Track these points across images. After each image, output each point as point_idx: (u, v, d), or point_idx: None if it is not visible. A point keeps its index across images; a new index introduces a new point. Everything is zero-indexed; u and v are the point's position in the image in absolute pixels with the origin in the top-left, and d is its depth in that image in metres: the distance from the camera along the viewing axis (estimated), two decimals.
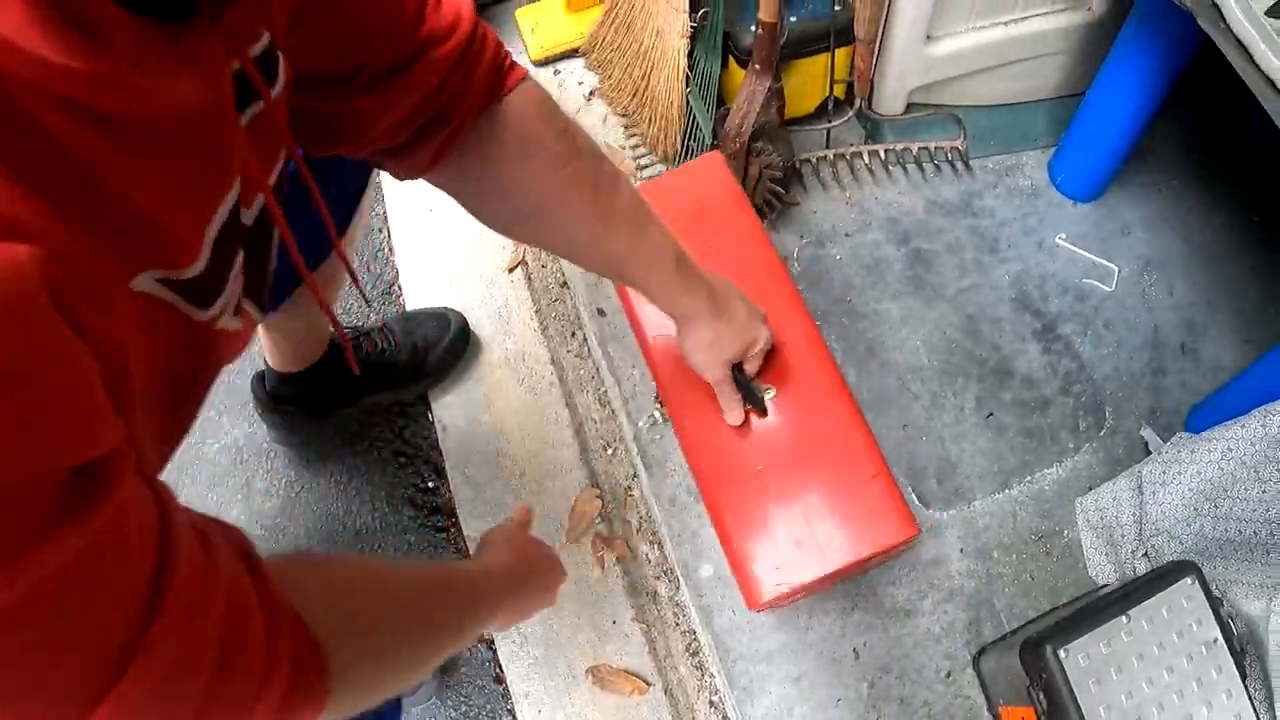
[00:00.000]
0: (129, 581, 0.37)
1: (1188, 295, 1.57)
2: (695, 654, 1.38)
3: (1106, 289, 1.58)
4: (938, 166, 1.67)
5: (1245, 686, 1.14)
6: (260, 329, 1.30)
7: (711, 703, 1.36)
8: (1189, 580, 1.17)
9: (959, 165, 1.67)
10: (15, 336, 0.30)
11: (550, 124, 0.79)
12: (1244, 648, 1.18)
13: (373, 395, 1.54)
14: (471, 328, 1.59)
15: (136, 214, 0.40)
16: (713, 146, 1.56)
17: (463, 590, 0.77)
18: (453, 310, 1.57)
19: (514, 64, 0.76)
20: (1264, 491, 1.19)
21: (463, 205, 0.84)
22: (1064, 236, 1.61)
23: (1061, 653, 1.10)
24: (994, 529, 1.41)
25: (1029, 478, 1.44)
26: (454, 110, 0.72)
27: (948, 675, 1.34)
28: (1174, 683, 1.12)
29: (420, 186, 0.81)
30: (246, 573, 0.46)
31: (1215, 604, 1.17)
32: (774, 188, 1.54)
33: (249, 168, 0.52)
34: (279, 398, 1.47)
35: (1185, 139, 1.73)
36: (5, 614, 0.32)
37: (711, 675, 1.36)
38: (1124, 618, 1.13)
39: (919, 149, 1.64)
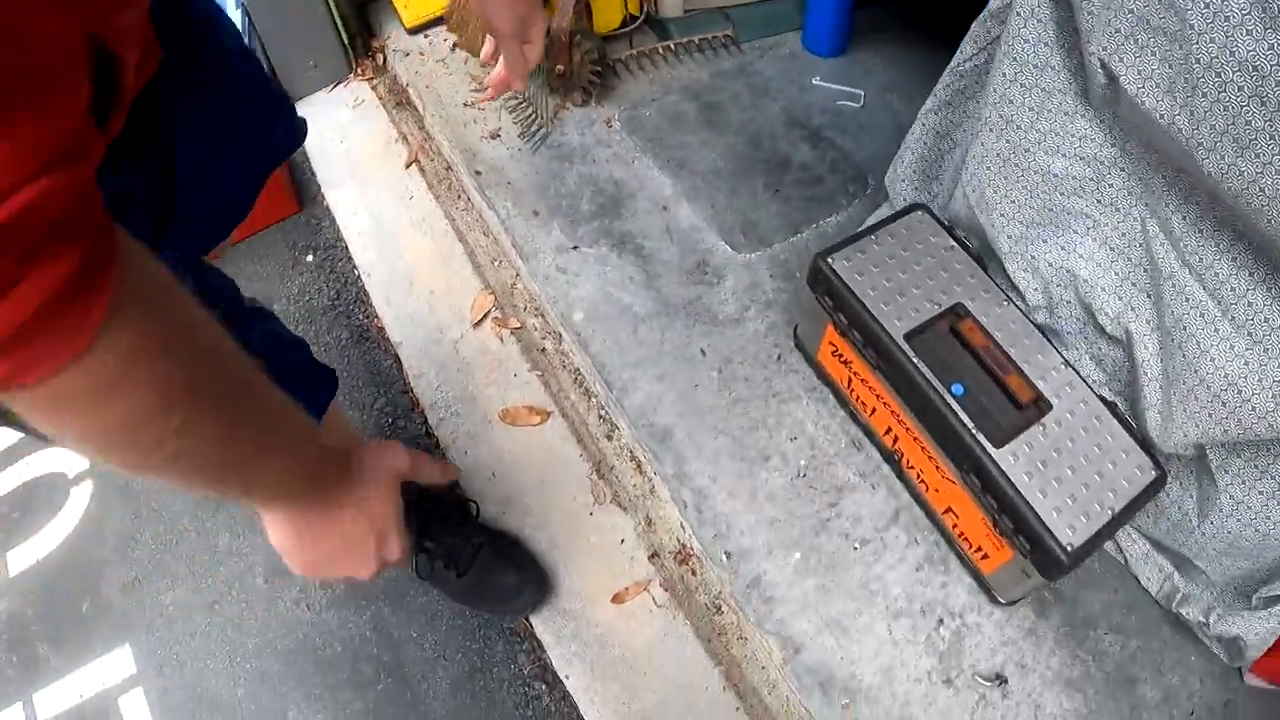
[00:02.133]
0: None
1: (922, 99, 1.94)
2: (579, 381, 1.62)
3: (857, 105, 1.95)
4: (715, 50, 2.06)
5: (986, 273, 1.43)
6: None
7: (600, 415, 1.60)
8: (919, 213, 1.48)
9: (732, 48, 2.06)
10: None
11: None
12: (979, 256, 1.48)
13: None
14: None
15: None
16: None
17: (301, 420, 0.62)
18: (540, 571, 1.43)
19: None
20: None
21: None
22: (819, 78, 2.00)
23: (830, 259, 1.40)
24: (792, 259, 1.71)
25: (814, 225, 1.76)
26: None
27: (778, 358, 1.61)
28: (924, 272, 1.41)
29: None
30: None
31: (947, 228, 1.48)
32: (593, 70, 1.89)
33: None
34: None
35: None
36: None
37: (595, 393, 1.60)
38: (873, 236, 1.44)
39: (700, 40, 2.04)
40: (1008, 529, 1.26)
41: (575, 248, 1.70)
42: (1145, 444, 1.32)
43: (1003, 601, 1.41)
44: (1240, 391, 1.15)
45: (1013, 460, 1.26)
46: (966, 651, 1.39)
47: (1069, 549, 1.20)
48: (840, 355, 1.47)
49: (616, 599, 1.42)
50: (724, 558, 1.41)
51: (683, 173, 1.81)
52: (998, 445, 1.27)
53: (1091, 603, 1.46)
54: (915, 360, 1.32)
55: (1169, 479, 1.34)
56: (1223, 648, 1.43)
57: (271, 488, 0.62)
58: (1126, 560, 1.49)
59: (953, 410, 1.29)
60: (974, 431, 1.27)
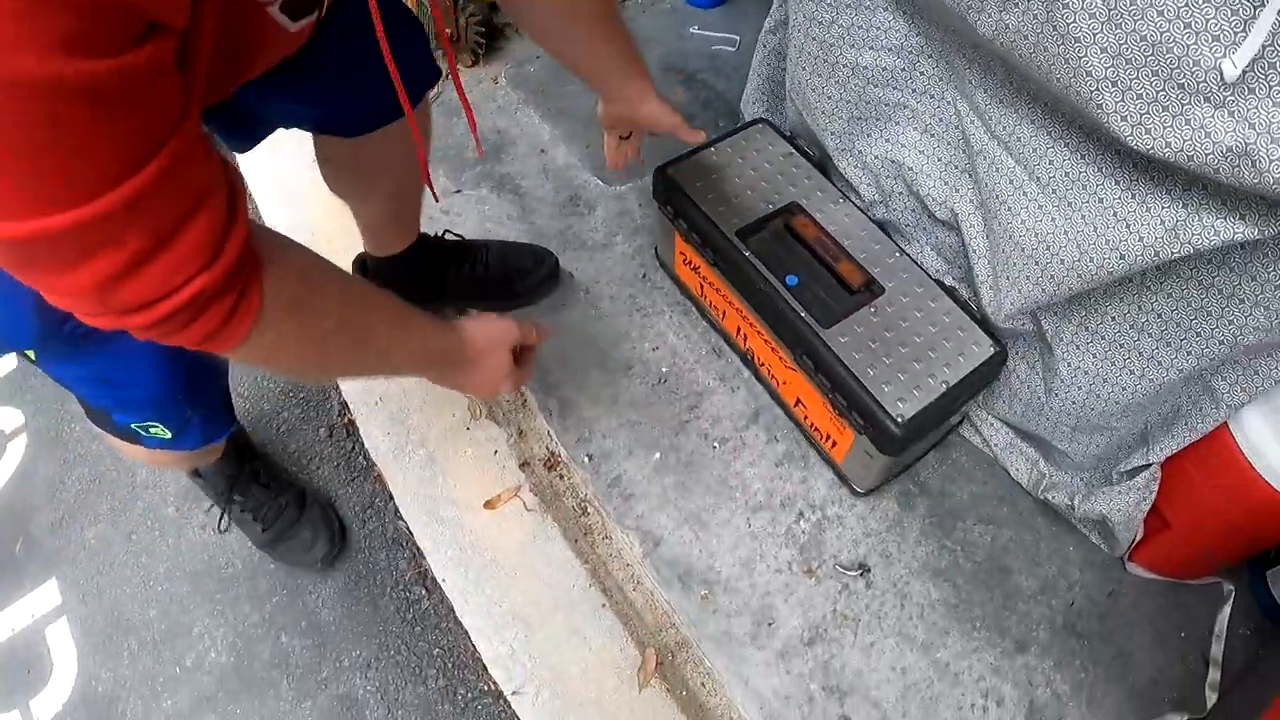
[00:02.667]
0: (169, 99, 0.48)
1: None
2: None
3: (733, 50, 1.98)
4: None
5: (828, 178, 1.44)
6: (355, 215, 1.37)
7: None
8: (761, 126, 1.50)
9: (617, 5, 2.09)
10: None
11: None
12: (820, 162, 1.49)
13: (464, 300, 1.57)
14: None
15: None
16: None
17: (415, 334, 0.83)
18: (547, 250, 1.58)
19: None
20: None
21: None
22: (697, 27, 2.02)
23: (670, 170, 1.42)
24: None
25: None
26: None
27: (643, 277, 1.62)
28: (761, 177, 1.43)
29: None
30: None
31: (788, 138, 1.49)
32: (479, 32, 1.93)
33: None
34: (380, 278, 1.43)
35: None
36: (95, 84, 0.40)
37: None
38: (713, 148, 1.45)
39: None
40: (842, 407, 1.27)
41: (458, 191, 1.73)
42: (984, 323, 1.31)
43: (860, 491, 1.40)
44: (1050, 247, 1.15)
45: (841, 340, 1.26)
46: (828, 543, 1.38)
47: (899, 420, 1.20)
48: (690, 263, 1.48)
49: (489, 505, 1.43)
50: (586, 459, 1.42)
51: (562, 119, 1.84)
52: (826, 326, 1.27)
53: (959, 495, 1.46)
54: (748, 255, 1.33)
55: (1014, 358, 1.34)
56: (1097, 532, 1.41)
57: (409, 367, 0.86)
58: (994, 453, 1.48)
59: (784, 298, 1.30)
60: (804, 315, 1.28)
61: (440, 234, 1.51)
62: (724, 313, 1.47)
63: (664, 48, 1.98)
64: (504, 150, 1.80)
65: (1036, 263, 1.17)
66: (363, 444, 1.54)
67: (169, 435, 1.06)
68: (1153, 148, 0.90)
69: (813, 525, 1.39)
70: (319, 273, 0.70)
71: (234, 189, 0.55)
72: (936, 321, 1.30)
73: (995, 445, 1.47)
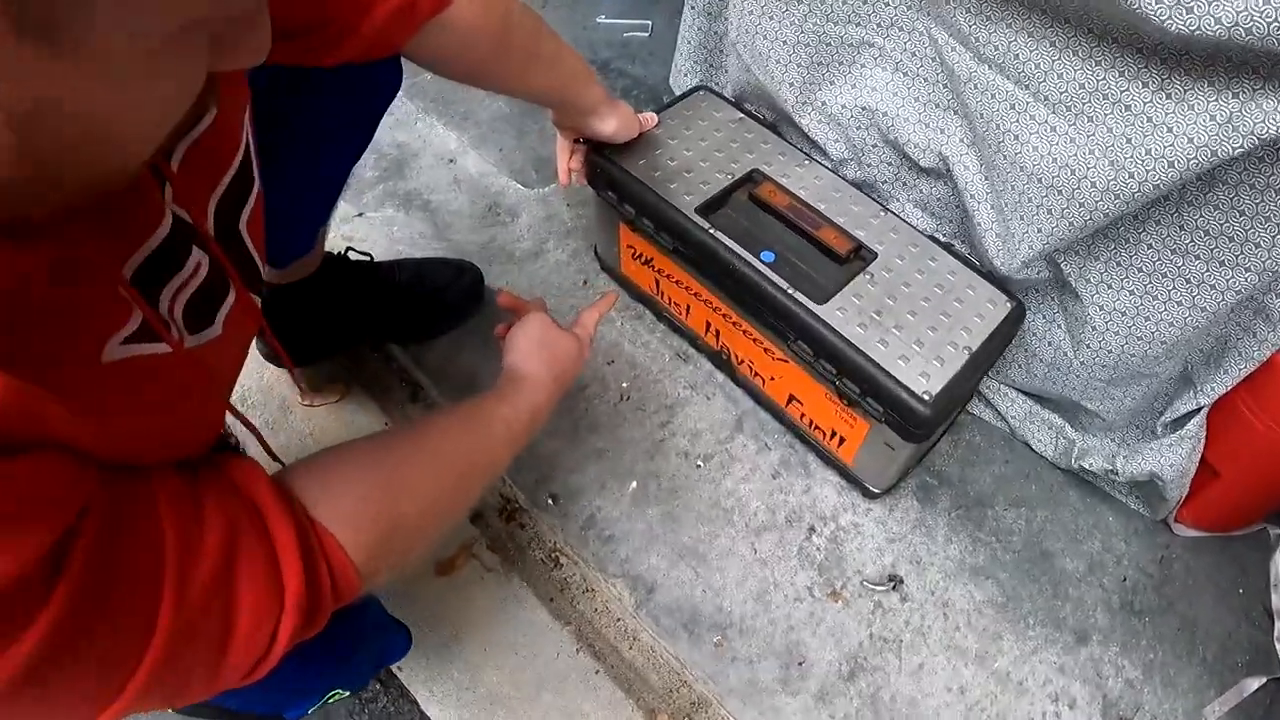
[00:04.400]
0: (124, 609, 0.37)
1: None
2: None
3: (645, 35, 1.72)
4: None
5: (782, 138, 1.18)
6: None
7: (401, 380, 1.30)
8: (702, 93, 1.24)
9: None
10: None
11: (488, 17, 0.79)
12: (774, 124, 1.23)
13: (382, 329, 1.27)
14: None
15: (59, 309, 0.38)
16: None
17: (499, 425, 0.70)
18: (467, 261, 1.30)
19: None
20: None
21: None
22: (604, 16, 1.76)
23: (608, 150, 1.14)
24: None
25: None
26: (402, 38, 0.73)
27: (584, 283, 1.35)
28: (712, 146, 1.18)
29: None
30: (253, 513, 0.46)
31: (734, 102, 1.23)
32: None
33: (183, 194, 0.49)
34: (282, 309, 1.11)
35: None
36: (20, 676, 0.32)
37: (394, 355, 1.30)
38: (656, 118, 1.17)
39: None
40: (853, 394, 1.00)
41: (360, 214, 1.42)
42: (992, 277, 1.06)
43: (877, 491, 1.13)
44: (1074, 171, 0.92)
45: (841, 315, 1.00)
46: (849, 557, 1.11)
47: (927, 397, 0.94)
48: (641, 256, 1.20)
49: (442, 570, 1.11)
50: (549, 502, 1.12)
51: (468, 124, 1.56)
52: (820, 302, 1.00)
53: (982, 480, 1.20)
54: (713, 233, 1.06)
55: (1028, 312, 1.09)
56: (1140, 497, 1.19)
57: (522, 441, 0.72)
58: (1010, 427, 1.23)
59: (764, 276, 1.03)
60: (791, 293, 1.01)
61: (343, 251, 1.20)
62: (688, 308, 1.19)
63: (569, 39, 1.70)
64: (406, 165, 1.50)
65: (1059, 191, 0.93)
66: None
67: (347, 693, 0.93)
68: (1197, 27, 0.71)
69: (828, 540, 1.12)
70: (378, 492, 0.56)
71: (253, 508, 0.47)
72: (942, 282, 1.05)
73: (1012, 418, 1.23)
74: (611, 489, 1.13)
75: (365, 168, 1.50)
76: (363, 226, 1.41)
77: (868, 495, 1.16)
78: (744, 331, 1.11)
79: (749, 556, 1.10)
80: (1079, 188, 0.92)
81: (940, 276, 1.06)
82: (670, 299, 1.22)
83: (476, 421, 0.70)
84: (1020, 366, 1.18)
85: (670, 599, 1.06)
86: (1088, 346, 1.06)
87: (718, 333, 1.17)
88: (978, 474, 1.22)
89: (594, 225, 1.31)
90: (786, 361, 1.08)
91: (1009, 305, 1.05)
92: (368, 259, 1.21)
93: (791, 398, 1.13)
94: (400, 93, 0.97)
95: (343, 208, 1.43)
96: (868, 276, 1.05)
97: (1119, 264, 0.99)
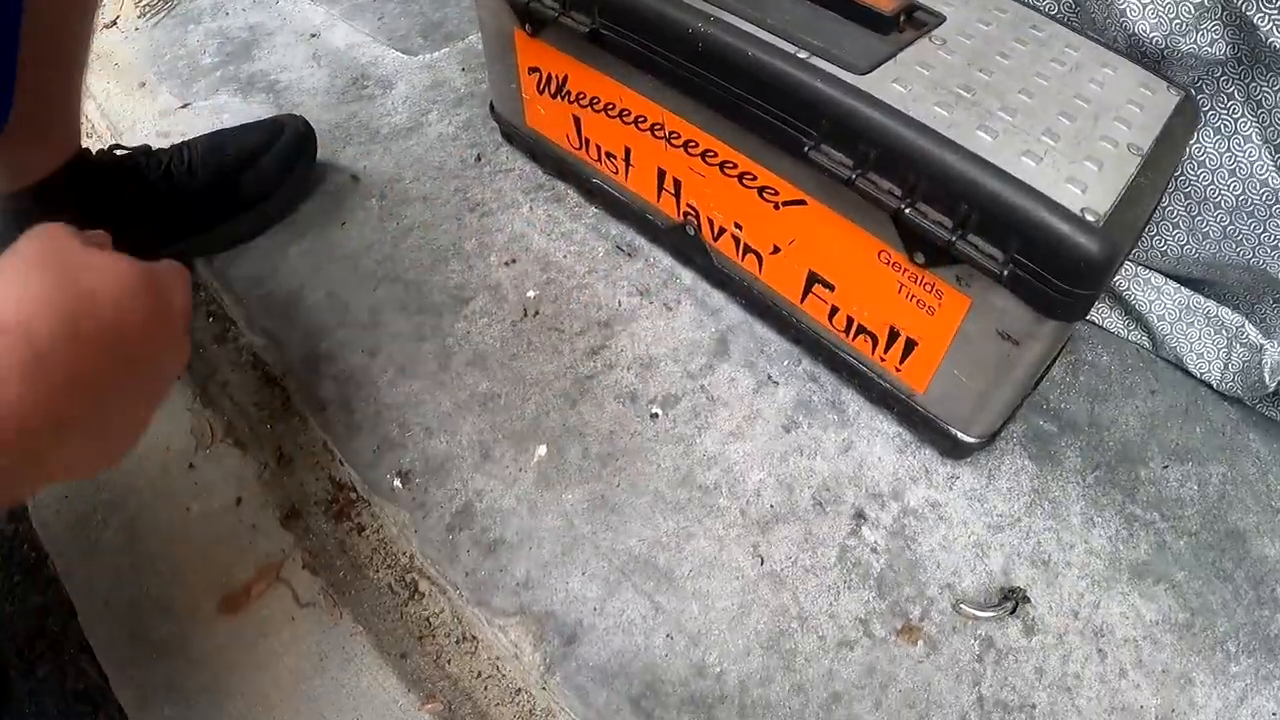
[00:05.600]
0: None
1: None
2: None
3: None
4: None
5: None
6: None
7: (209, 313, 0.79)
8: None
9: None
10: None
11: None
12: None
13: (165, 237, 0.77)
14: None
15: None
16: None
17: None
18: (290, 116, 0.84)
19: None
20: None
21: None
22: None
23: None
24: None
25: None
26: None
27: (477, 159, 0.87)
28: None
29: None
30: None
31: None
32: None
33: None
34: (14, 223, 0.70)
35: None
36: None
37: (202, 280, 0.79)
38: None
39: None
40: (941, 231, 0.49)
41: (186, 105, 0.95)
42: (1134, 56, 0.57)
43: (972, 441, 0.62)
44: None
45: (902, 90, 0.49)
46: (926, 562, 0.60)
47: (1091, 219, 0.43)
48: (550, 82, 0.71)
49: (230, 605, 0.59)
50: (397, 485, 0.60)
51: None
52: (863, 72, 0.50)
53: (1123, 422, 0.71)
54: None
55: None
56: None
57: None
58: (1155, 335, 0.73)
59: (762, 44, 0.52)
60: (809, 61, 0.50)
61: (108, 148, 0.74)
62: (627, 156, 0.69)
63: None
64: (256, 46, 1.04)
65: None
66: (28, 533, 0.69)
67: None
68: None
69: (889, 533, 0.61)
70: None
71: None
72: (1060, 57, 0.55)
73: (1158, 319, 0.73)
74: (503, 459, 0.62)
75: (203, 54, 1.03)
76: (185, 118, 0.94)
77: (952, 452, 0.64)
78: (723, 166, 0.61)
79: (750, 570, 0.58)
80: None
81: (1055, 50, 0.57)
82: (600, 148, 0.72)
83: None
84: (1176, 224, 0.68)
85: (607, 654, 0.54)
86: None
87: (677, 185, 0.67)
88: (1114, 412, 0.71)
89: (491, 67, 0.81)
90: (803, 203, 0.57)
91: (1175, 94, 0.55)
92: (140, 148, 0.75)
93: (813, 279, 0.62)
94: None
95: (165, 101, 0.97)
96: (937, 42, 0.55)
97: None
